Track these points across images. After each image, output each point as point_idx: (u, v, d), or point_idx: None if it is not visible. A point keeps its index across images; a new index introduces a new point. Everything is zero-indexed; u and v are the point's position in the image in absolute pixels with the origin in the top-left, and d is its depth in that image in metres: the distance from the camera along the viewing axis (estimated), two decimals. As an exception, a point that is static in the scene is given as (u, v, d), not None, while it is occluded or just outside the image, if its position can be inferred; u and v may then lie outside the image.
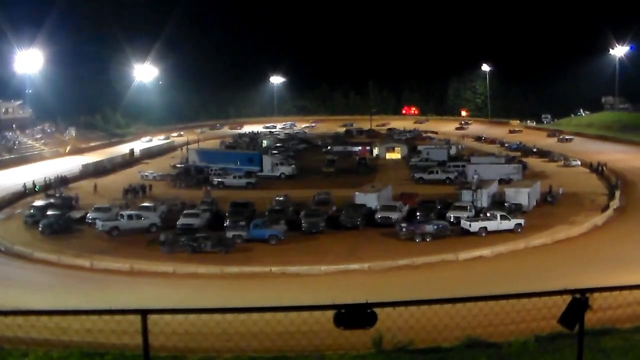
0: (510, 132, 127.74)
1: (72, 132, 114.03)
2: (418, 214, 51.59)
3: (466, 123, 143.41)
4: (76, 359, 12.64)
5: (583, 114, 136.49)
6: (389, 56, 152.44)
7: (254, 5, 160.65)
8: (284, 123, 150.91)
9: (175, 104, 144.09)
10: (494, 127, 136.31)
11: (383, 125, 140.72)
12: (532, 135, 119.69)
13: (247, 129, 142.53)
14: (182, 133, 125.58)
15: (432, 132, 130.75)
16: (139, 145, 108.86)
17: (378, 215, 51.54)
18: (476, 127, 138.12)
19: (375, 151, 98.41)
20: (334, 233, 49.52)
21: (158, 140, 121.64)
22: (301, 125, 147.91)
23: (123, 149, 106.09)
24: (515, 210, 52.51)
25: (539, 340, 13.20)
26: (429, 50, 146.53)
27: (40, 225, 50.38)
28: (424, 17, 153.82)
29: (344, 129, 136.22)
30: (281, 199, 59.13)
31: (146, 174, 78.01)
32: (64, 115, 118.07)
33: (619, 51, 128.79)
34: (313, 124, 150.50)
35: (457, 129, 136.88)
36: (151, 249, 45.59)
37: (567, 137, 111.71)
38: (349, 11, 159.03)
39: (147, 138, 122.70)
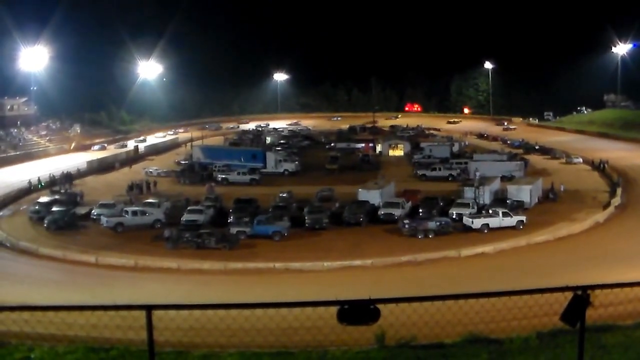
0: (448, 122, 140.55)
1: (77, 128, 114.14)
2: (420, 210, 51.57)
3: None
4: (81, 354, 12.73)
5: (585, 112, 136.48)
6: (392, 53, 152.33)
7: (257, 3, 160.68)
8: (259, 122, 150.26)
9: (180, 101, 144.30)
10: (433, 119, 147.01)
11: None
12: (479, 123, 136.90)
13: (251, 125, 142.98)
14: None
15: (435, 129, 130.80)
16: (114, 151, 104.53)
17: (381, 212, 51.59)
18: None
19: (379, 148, 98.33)
20: (337, 229, 49.52)
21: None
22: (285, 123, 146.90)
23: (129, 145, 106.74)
24: (517, 207, 52.48)
25: (540, 337, 13.27)
26: (431, 47, 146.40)
27: (46, 222, 50.39)
28: (426, 14, 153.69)
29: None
30: (285, 195, 59.11)
31: (150, 170, 78.16)
32: (68, 112, 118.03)
33: (622, 49, 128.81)
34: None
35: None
36: (155, 245, 45.67)
37: (510, 126, 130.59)
38: (352, 9, 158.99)
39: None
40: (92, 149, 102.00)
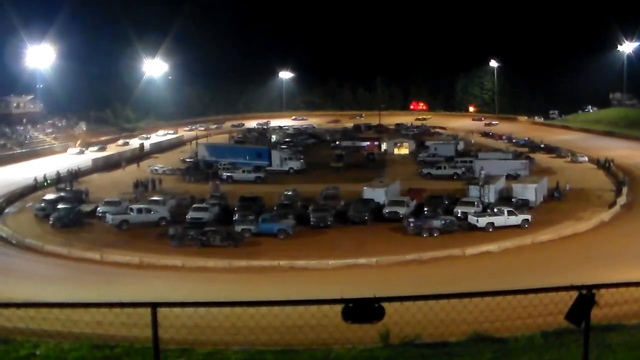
0: (417, 119, 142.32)
1: (83, 126, 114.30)
2: (425, 209, 51.50)
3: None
4: (87, 351, 12.75)
5: (591, 110, 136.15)
6: (397, 52, 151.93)
7: (263, 1, 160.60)
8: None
9: (185, 99, 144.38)
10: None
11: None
12: (461, 120, 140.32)
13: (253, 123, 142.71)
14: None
15: (440, 127, 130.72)
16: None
17: (386, 210, 51.57)
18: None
19: (384, 146, 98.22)
20: (342, 228, 49.54)
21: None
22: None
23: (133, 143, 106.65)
24: (523, 205, 52.38)
25: (545, 336, 13.23)
26: (437, 45, 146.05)
27: (51, 219, 50.57)
28: (432, 12, 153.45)
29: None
30: (290, 193, 59.14)
31: (155, 168, 78.25)
32: (74, 109, 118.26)
33: (627, 47, 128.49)
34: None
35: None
36: (160, 243, 45.76)
37: (493, 122, 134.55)
38: (357, 7, 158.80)
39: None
40: (67, 152, 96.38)
